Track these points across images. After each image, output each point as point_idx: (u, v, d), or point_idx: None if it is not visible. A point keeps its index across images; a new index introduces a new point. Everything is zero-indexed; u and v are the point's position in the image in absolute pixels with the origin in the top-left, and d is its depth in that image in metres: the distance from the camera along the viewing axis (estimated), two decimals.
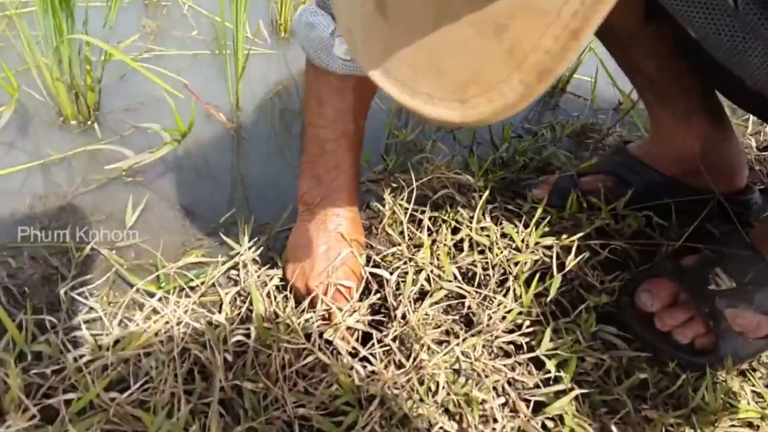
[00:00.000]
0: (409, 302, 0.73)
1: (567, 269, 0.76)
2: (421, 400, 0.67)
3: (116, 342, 0.70)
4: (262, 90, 1.22)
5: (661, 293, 0.79)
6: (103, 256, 0.83)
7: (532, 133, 1.14)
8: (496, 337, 0.72)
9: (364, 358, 0.70)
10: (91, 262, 0.83)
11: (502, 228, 0.82)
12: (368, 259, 0.80)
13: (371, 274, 0.77)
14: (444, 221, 0.85)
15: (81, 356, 0.67)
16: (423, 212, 0.84)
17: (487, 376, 0.68)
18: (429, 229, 0.84)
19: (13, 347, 0.68)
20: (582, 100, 1.26)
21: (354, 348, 0.71)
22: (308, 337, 0.71)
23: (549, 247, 0.80)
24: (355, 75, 0.72)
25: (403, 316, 0.72)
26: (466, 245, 0.84)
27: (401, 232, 0.83)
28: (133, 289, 0.76)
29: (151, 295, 0.77)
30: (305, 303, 0.73)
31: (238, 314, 0.76)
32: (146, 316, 0.75)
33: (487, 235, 0.81)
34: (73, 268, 0.80)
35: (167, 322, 0.71)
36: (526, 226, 0.83)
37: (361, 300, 0.75)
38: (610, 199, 0.89)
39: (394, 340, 0.71)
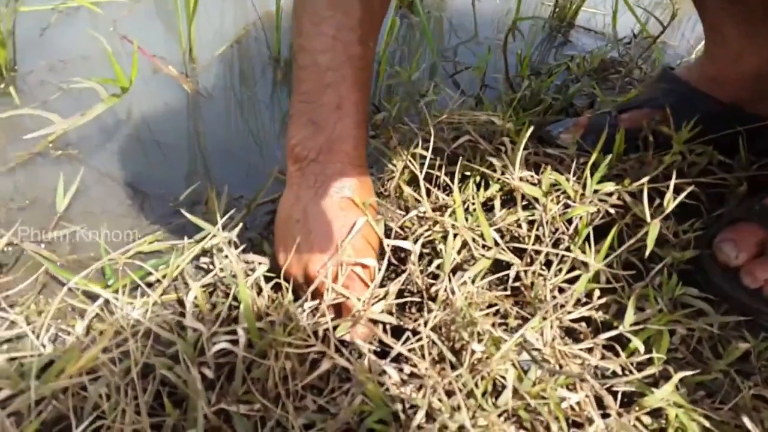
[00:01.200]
0: (449, 277, 0.54)
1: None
2: (481, 407, 0.49)
3: (47, 365, 0.50)
4: (220, 35, 1.01)
5: (747, 242, 0.63)
6: (29, 253, 0.63)
7: (546, 72, 0.96)
8: (563, 316, 0.55)
9: (397, 359, 0.52)
10: (12, 262, 0.63)
11: (546, 176, 0.65)
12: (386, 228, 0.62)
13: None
14: (469, 175, 0.67)
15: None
16: (440, 166, 0.66)
17: (561, 367, 0.51)
18: (448, 186, 0.66)
19: None
20: (593, 34, 1.10)
21: (381, 345, 0.53)
22: (316, 337, 0.53)
23: (609, 195, 0.62)
24: None
25: (443, 298, 0.54)
26: (497, 202, 0.66)
27: (417, 191, 0.65)
28: (65, 288, 0.56)
29: (95, 297, 0.57)
30: (307, 295, 0.55)
31: (217, 315, 0.56)
32: (89, 325, 0.55)
33: (532, 192, 0.63)
34: None
35: (118, 332, 0.52)
36: (574, 174, 0.66)
37: (383, 284, 0.57)
38: (657, 136, 0.73)
39: (433, 330, 0.52)
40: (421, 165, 0.65)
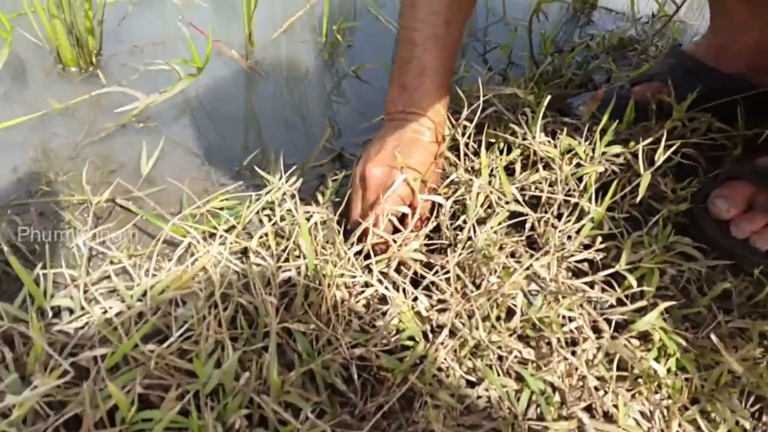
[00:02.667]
0: (473, 225, 0.65)
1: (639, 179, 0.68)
2: (494, 327, 0.60)
3: (145, 292, 0.62)
4: (275, 21, 1.13)
5: (737, 197, 0.72)
6: (120, 208, 0.76)
7: (568, 49, 1.05)
8: (568, 256, 0.65)
9: (427, 288, 0.63)
10: (107, 215, 0.75)
11: (559, 141, 0.74)
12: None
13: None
14: (494, 142, 0.77)
15: (109, 308, 0.60)
16: (469, 135, 0.76)
17: (563, 297, 0.61)
18: (474, 151, 0.76)
19: (32, 303, 0.61)
20: (614, 14, 1.17)
21: (414, 276, 0.64)
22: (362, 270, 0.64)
23: (616, 156, 0.72)
24: None
25: (466, 240, 0.65)
26: (518, 166, 0.76)
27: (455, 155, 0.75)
28: (167, 228, 0.68)
29: (179, 243, 0.70)
30: (357, 233, 0.66)
31: (281, 253, 0.68)
32: (177, 261, 0.67)
33: (546, 151, 0.73)
34: (88, 222, 0.72)
35: (203, 267, 0.64)
36: (586, 139, 0.75)
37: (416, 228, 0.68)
38: (663, 106, 0.81)
39: (457, 265, 0.63)
40: (462, 134, 0.75)
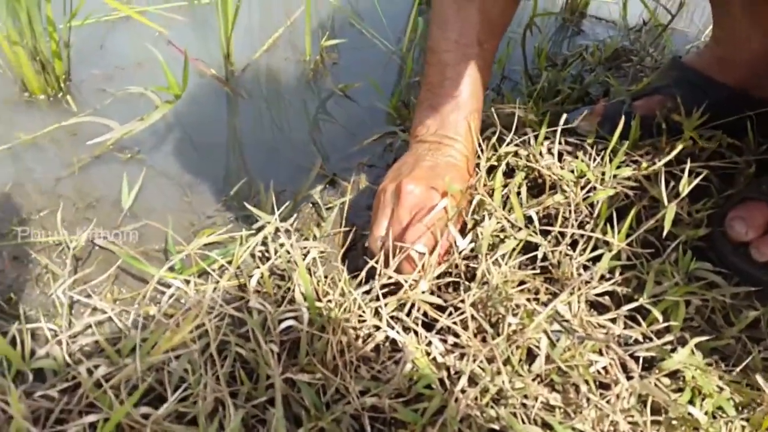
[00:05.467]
0: (487, 258, 0.61)
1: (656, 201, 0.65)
2: (517, 372, 0.56)
3: (133, 347, 0.57)
4: (255, 40, 1.08)
5: (755, 219, 0.69)
6: (100, 248, 0.70)
7: (561, 62, 1.02)
8: (587, 290, 0.61)
9: (441, 331, 0.59)
10: (87, 257, 0.70)
11: (570, 165, 0.71)
12: None
13: None
14: (496, 165, 0.73)
15: (96, 367, 0.54)
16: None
17: (588, 339, 0.57)
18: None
19: (9, 367, 0.55)
20: (604, 23, 1.15)
21: (426, 320, 0.60)
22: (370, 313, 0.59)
23: (627, 179, 0.68)
24: None
25: (481, 277, 0.61)
26: (524, 190, 0.72)
27: None
28: (155, 279, 0.63)
29: (167, 285, 0.64)
30: (379, 258, 0.62)
31: (279, 296, 0.63)
32: (165, 311, 0.62)
33: (560, 175, 0.69)
34: (67, 265, 0.67)
35: (196, 315, 0.58)
36: (592, 159, 0.72)
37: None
38: (669, 122, 0.78)
39: (472, 305, 0.59)
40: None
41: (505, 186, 0.70)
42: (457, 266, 0.64)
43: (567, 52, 1.06)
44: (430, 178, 0.65)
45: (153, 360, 0.53)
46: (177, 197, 0.77)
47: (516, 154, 0.74)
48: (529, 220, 0.67)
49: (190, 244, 0.68)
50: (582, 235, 0.65)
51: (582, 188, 0.68)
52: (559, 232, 0.66)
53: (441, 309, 0.61)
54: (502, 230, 0.66)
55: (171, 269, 0.65)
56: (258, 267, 0.65)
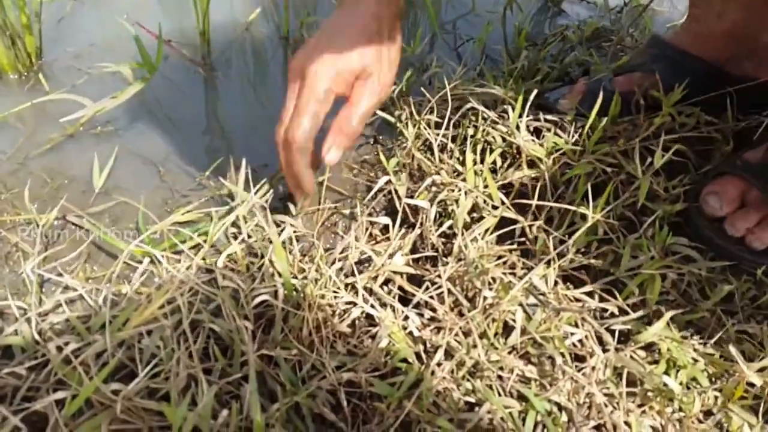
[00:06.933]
0: (463, 232, 0.60)
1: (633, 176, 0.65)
2: (493, 346, 0.55)
3: (104, 324, 0.56)
4: (232, 18, 1.06)
5: (729, 194, 0.69)
6: (72, 227, 0.69)
7: (541, 42, 1.01)
8: (565, 265, 0.61)
9: (418, 305, 0.58)
10: (58, 237, 0.68)
11: (545, 140, 0.70)
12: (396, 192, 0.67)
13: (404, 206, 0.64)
14: (474, 141, 0.72)
15: (66, 344, 0.53)
16: (445, 135, 0.71)
17: (563, 311, 0.57)
18: (448, 149, 0.71)
19: None
20: (585, 3, 1.14)
21: (401, 293, 0.59)
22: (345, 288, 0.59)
23: (605, 155, 0.68)
24: None
25: (457, 252, 0.60)
26: (499, 163, 0.72)
27: (430, 156, 0.71)
28: (125, 252, 0.61)
29: (140, 262, 0.63)
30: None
31: (253, 274, 0.62)
32: (137, 289, 0.61)
33: (536, 149, 0.68)
34: (37, 243, 0.65)
35: (167, 291, 0.57)
36: (571, 137, 0.72)
37: (403, 237, 0.63)
38: (648, 99, 0.78)
39: (449, 280, 0.58)
40: (436, 132, 0.70)
41: (481, 162, 0.70)
42: (433, 245, 0.64)
43: (547, 32, 1.06)
44: (336, 55, 0.60)
45: (124, 335, 0.52)
46: (151, 176, 0.76)
47: (493, 129, 0.73)
48: (506, 195, 0.67)
49: (163, 222, 0.66)
50: (558, 210, 0.65)
51: (559, 164, 0.67)
52: (536, 208, 0.66)
53: (418, 285, 0.60)
54: (474, 209, 0.65)
55: (143, 246, 0.64)
56: (231, 245, 0.64)
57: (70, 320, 0.55)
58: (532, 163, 0.70)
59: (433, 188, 0.68)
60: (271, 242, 0.61)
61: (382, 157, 0.74)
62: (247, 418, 0.51)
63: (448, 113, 0.71)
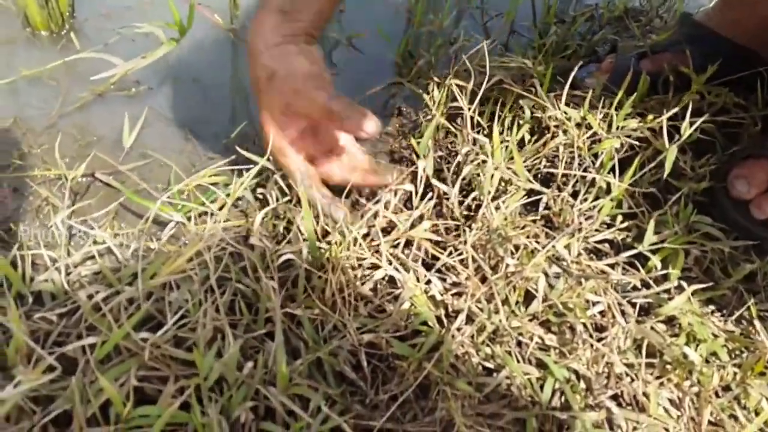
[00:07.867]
0: (488, 201, 0.61)
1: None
2: (513, 312, 0.56)
3: (135, 275, 0.57)
4: None
5: (757, 177, 0.69)
6: (101, 184, 0.70)
7: (570, 19, 1.00)
8: (589, 236, 0.61)
9: (439, 271, 0.59)
10: (85, 191, 0.69)
11: (574, 113, 0.70)
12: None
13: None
14: (500, 115, 0.72)
15: (96, 293, 0.54)
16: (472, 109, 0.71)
17: (587, 280, 0.57)
18: (478, 123, 0.71)
19: (9, 288, 0.55)
20: None
21: (425, 258, 0.60)
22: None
23: (633, 130, 0.68)
24: None
25: (481, 219, 0.61)
26: (527, 139, 0.72)
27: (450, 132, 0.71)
28: (155, 206, 0.62)
29: (168, 223, 0.64)
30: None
31: (276, 234, 0.63)
32: (165, 245, 0.62)
33: (565, 120, 0.68)
34: (66, 198, 0.66)
35: (197, 243, 0.58)
36: (599, 112, 0.71)
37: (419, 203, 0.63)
38: (676, 80, 0.78)
39: (472, 247, 0.59)
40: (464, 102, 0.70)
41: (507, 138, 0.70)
42: (453, 215, 0.64)
43: (577, 9, 1.05)
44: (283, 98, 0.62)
45: (154, 283, 0.53)
46: (178, 137, 0.77)
47: (521, 103, 0.73)
48: (531, 168, 0.67)
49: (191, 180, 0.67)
50: (584, 184, 0.65)
51: (587, 136, 0.67)
52: (562, 181, 0.66)
53: (440, 250, 0.61)
54: (500, 182, 0.66)
55: (171, 204, 0.65)
56: (260, 208, 0.65)
57: (102, 269, 0.56)
58: (558, 136, 0.70)
59: (458, 161, 0.68)
60: (298, 203, 0.62)
61: (413, 141, 0.73)
62: (270, 372, 0.52)
63: (473, 85, 0.71)
